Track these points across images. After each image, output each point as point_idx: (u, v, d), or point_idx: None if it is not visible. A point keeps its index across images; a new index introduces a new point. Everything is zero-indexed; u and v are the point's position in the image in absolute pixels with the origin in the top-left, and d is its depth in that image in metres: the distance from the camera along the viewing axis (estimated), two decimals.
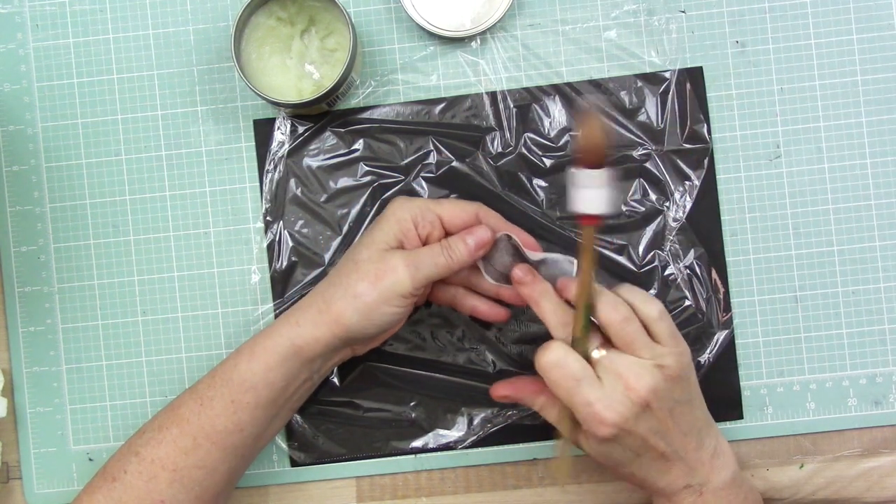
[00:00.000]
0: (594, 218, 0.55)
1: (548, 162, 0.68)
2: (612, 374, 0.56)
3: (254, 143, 0.69)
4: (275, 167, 0.69)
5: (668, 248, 0.68)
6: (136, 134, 0.69)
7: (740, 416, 0.68)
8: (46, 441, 0.69)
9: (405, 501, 0.69)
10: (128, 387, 0.69)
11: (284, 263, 0.69)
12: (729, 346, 0.68)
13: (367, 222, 0.68)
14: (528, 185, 0.68)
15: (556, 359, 0.56)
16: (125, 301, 0.69)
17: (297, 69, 0.65)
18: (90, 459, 0.69)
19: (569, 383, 0.56)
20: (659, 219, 0.68)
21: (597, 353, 0.56)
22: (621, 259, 0.68)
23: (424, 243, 0.61)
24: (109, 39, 0.70)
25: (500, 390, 0.62)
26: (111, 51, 0.70)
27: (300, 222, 0.69)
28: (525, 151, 0.68)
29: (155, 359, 0.69)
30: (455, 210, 0.62)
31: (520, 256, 0.61)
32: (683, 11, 0.68)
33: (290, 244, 0.69)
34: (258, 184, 0.69)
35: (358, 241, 0.63)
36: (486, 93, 0.68)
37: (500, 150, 0.68)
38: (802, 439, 0.68)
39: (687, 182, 0.68)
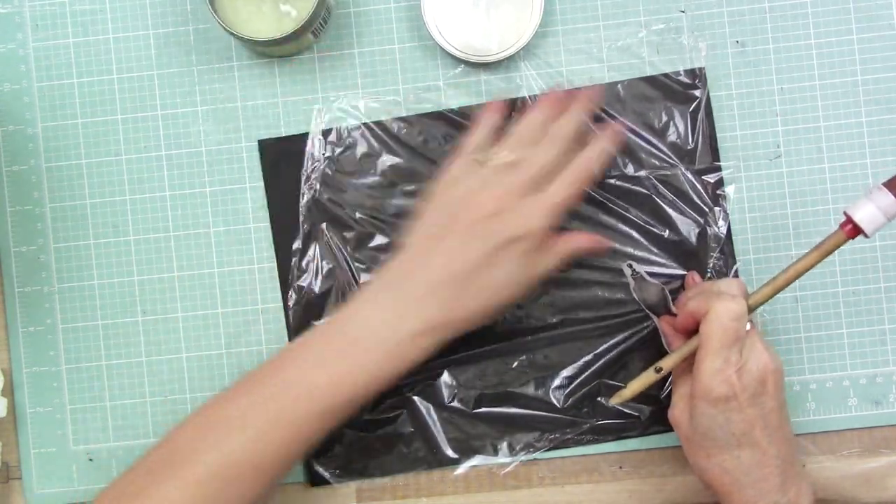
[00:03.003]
0: (857, 232, 0.58)
1: None
2: (750, 347, 0.59)
3: (255, 143, 0.69)
4: (310, 188, 0.68)
5: (710, 264, 0.68)
6: (136, 134, 0.69)
7: None
8: (46, 441, 0.69)
9: (405, 501, 0.69)
10: (128, 387, 0.69)
11: (317, 288, 0.68)
12: None
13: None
14: None
15: (739, 313, 0.58)
16: (125, 301, 0.69)
17: (273, 12, 0.65)
18: (90, 459, 0.69)
19: (729, 339, 0.58)
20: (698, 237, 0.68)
21: (748, 326, 0.60)
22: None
23: None
24: (109, 39, 0.70)
25: (666, 325, 0.65)
26: (111, 51, 0.70)
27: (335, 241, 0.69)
28: None
29: (155, 359, 0.69)
30: None
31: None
32: (683, 11, 0.68)
33: (324, 268, 0.68)
34: (259, 184, 0.69)
35: None
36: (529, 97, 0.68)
37: None
38: (802, 439, 0.68)
39: (722, 200, 0.68)
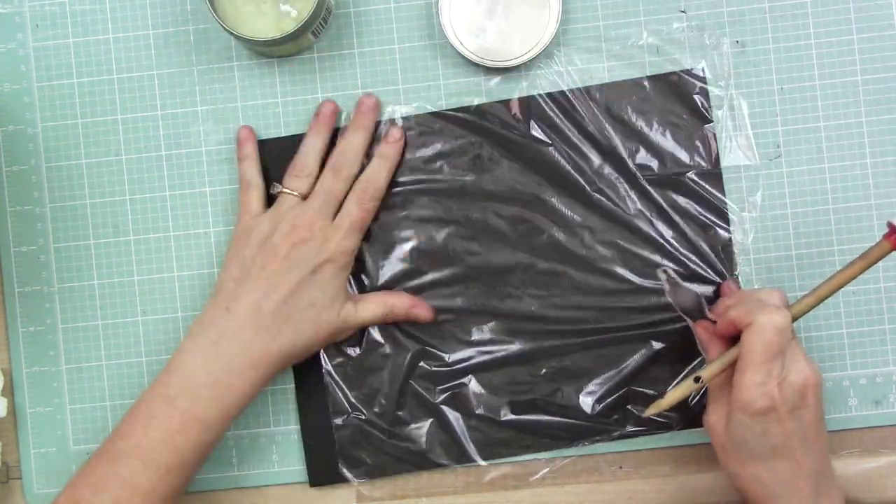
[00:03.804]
0: None
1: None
2: (791, 359, 0.58)
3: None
4: None
5: (737, 271, 0.68)
6: (136, 134, 0.70)
7: None
8: (46, 441, 0.69)
9: (405, 501, 0.69)
10: (128, 387, 0.69)
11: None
12: None
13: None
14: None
15: (783, 326, 0.57)
16: (125, 301, 0.69)
17: (273, 12, 0.65)
18: None
19: (773, 351, 0.57)
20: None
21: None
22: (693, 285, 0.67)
23: None
24: (109, 39, 0.70)
25: (703, 330, 0.64)
26: (111, 51, 0.70)
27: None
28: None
29: (155, 359, 0.69)
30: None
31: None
32: (684, 11, 0.68)
33: None
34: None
35: None
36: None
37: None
38: None
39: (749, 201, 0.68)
